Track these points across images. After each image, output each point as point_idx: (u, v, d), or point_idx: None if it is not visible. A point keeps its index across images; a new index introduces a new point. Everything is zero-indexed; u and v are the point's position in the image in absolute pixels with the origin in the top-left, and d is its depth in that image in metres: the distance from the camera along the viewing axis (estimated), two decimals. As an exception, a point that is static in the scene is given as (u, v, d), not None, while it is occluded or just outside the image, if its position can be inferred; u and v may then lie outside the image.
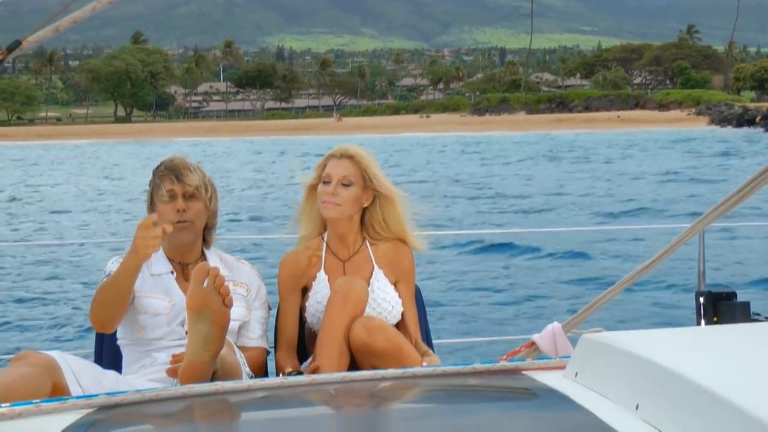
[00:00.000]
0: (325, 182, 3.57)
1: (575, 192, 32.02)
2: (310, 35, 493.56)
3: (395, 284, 3.67)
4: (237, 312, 3.21)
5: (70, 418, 2.01)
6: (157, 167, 3.53)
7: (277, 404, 2.26)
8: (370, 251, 3.68)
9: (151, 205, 3.49)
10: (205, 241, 3.61)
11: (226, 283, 2.81)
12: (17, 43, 1.53)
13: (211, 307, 2.74)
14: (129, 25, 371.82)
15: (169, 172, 3.45)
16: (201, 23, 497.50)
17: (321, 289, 3.58)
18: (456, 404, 2.24)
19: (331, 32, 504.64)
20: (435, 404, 2.30)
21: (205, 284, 2.76)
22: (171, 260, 3.53)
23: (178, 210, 3.42)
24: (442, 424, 1.87)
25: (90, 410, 2.08)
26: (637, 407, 1.75)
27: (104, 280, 3.38)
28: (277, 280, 3.67)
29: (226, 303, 2.78)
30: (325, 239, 3.69)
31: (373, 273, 3.64)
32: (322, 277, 3.62)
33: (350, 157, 3.57)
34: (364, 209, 3.65)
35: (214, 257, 3.59)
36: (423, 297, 3.92)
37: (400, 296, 3.65)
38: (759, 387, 1.58)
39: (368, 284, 3.54)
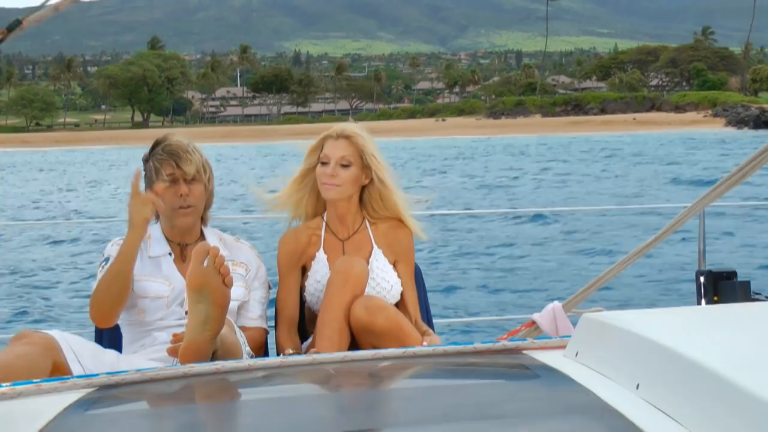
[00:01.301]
0: (323, 163, 3.56)
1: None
2: (326, 39, 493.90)
3: (394, 264, 3.67)
4: (236, 292, 3.19)
5: (71, 397, 2.01)
6: (154, 149, 3.48)
7: (278, 383, 2.26)
8: (370, 231, 3.68)
9: (151, 189, 3.45)
10: (203, 220, 3.59)
11: (225, 262, 2.81)
12: (18, 23, 1.51)
13: (211, 287, 2.74)
14: (147, 30, 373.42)
15: (169, 156, 3.42)
16: (219, 28, 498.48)
17: (320, 269, 3.59)
18: (456, 384, 2.23)
19: (348, 36, 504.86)
20: (435, 383, 2.29)
21: (205, 264, 2.76)
22: (170, 242, 3.51)
23: (181, 195, 3.40)
24: (442, 403, 1.86)
25: (90, 390, 2.08)
26: (637, 386, 1.74)
27: (103, 264, 3.40)
28: (277, 258, 3.66)
29: (226, 283, 2.78)
30: (325, 219, 3.69)
31: (373, 253, 3.64)
32: (321, 256, 3.62)
33: (347, 137, 3.56)
34: (363, 188, 3.65)
35: (213, 237, 3.58)
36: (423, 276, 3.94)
37: (399, 276, 3.65)
38: (759, 366, 1.57)
39: (367, 264, 3.53)
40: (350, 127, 3.63)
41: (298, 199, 3.70)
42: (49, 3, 1.48)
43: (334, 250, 3.64)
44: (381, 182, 3.62)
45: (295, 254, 3.65)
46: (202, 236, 3.57)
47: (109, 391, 2.08)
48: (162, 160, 3.43)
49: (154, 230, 3.54)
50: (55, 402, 1.95)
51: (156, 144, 3.50)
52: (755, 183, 22.40)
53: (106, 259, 3.41)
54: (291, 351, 3.43)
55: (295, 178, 3.69)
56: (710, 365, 1.56)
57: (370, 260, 3.61)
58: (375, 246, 3.66)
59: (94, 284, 3.36)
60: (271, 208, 3.76)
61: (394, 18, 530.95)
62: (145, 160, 3.52)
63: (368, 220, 3.70)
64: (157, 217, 3.56)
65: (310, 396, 2.15)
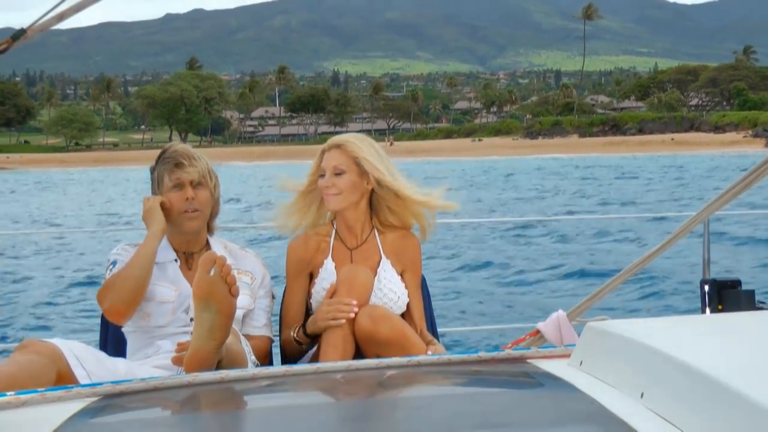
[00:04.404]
0: (321, 176, 3.59)
1: None
2: (365, 59, 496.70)
3: (401, 274, 3.67)
4: (241, 301, 3.18)
5: (75, 406, 2.01)
6: (161, 156, 3.51)
7: (282, 392, 2.26)
8: (378, 240, 3.67)
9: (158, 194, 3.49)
10: (209, 229, 3.60)
11: (231, 272, 2.79)
12: (22, 32, 1.53)
13: (217, 296, 2.73)
14: (188, 50, 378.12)
15: (175, 161, 3.44)
16: (258, 48, 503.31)
17: (327, 276, 3.57)
18: (460, 393, 2.24)
19: (387, 56, 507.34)
20: (439, 393, 2.29)
21: (211, 273, 2.75)
22: (176, 250, 3.52)
23: (187, 198, 3.41)
24: (446, 412, 1.85)
25: (95, 398, 2.08)
26: (642, 395, 1.74)
27: (110, 268, 3.41)
28: (285, 263, 3.66)
29: (233, 292, 2.76)
30: (335, 226, 3.69)
31: (381, 263, 3.63)
32: (329, 264, 3.61)
33: (338, 146, 3.58)
34: (372, 195, 3.65)
35: (218, 246, 3.58)
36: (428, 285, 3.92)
37: (406, 286, 3.65)
38: (763, 375, 1.57)
39: (375, 274, 3.54)
40: (343, 136, 3.65)
41: (301, 213, 3.70)
42: (52, 12, 1.49)
43: (342, 259, 3.63)
44: (383, 184, 3.58)
45: (303, 260, 3.64)
46: (207, 245, 3.57)
47: (114, 400, 2.09)
48: (169, 164, 3.45)
49: None
50: (59, 411, 1.95)
51: (162, 152, 3.53)
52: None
53: (113, 262, 3.42)
54: (297, 327, 3.46)
55: (300, 193, 3.69)
56: (715, 374, 1.55)
57: (378, 270, 3.60)
58: (383, 256, 3.65)
59: (106, 280, 3.39)
60: (279, 225, 3.76)
61: (433, 38, 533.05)
62: (152, 170, 3.53)
63: (377, 229, 3.70)
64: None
65: (314, 405, 2.14)
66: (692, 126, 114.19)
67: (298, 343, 3.48)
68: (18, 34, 1.52)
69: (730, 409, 1.47)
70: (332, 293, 3.35)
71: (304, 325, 3.48)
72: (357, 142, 3.59)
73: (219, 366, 2.79)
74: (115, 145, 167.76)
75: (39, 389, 2.11)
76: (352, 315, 3.22)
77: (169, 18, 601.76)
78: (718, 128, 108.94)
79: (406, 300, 3.63)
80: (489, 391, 2.26)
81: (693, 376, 1.61)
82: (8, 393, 2.06)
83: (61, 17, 1.51)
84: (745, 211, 10.37)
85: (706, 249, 5.02)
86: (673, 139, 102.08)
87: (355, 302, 3.25)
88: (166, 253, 3.50)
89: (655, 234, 17.03)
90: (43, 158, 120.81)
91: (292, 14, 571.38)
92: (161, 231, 3.38)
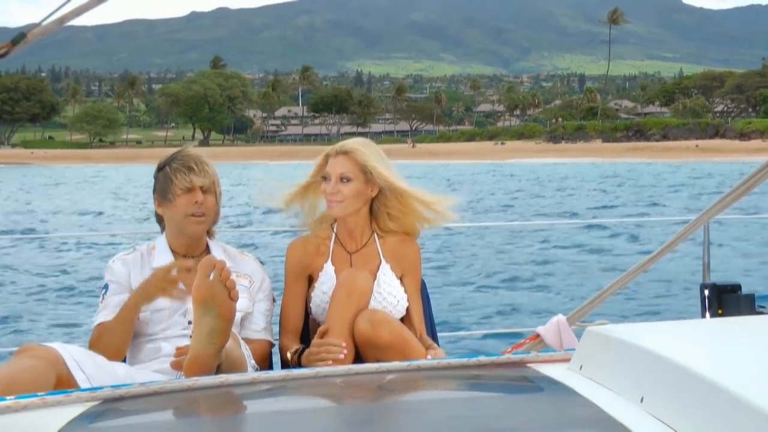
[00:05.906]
0: (324, 179, 3.57)
1: None
2: (389, 60, 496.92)
3: (401, 278, 3.66)
4: (240, 304, 3.17)
5: (75, 410, 2.01)
6: (171, 159, 3.51)
7: (282, 397, 2.27)
8: (378, 244, 3.66)
9: (163, 197, 3.47)
10: (209, 233, 3.61)
11: (231, 276, 2.79)
12: (22, 36, 1.52)
13: (216, 300, 2.73)
14: (212, 49, 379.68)
15: (186, 166, 3.45)
16: (282, 48, 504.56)
17: (327, 280, 3.57)
18: (460, 397, 2.24)
19: (410, 57, 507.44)
20: (439, 397, 2.29)
21: (211, 277, 2.75)
22: (175, 253, 3.52)
23: (196, 202, 3.42)
24: (446, 416, 1.86)
25: (95, 403, 2.09)
26: (641, 400, 1.74)
27: (103, 293, 3.42)
28: (285, 266, 3.66)
29: (232, 296, 2.76)
30: (335, 230, 3.68)
31: (380, 267, 3.62)
32: (328, 267, 3.60)
33: (346, 153, 3.55)
34: (373, 200, 3.63)
35: (217, 249, 3.59)
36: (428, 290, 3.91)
37: (405, 290, 3.64)
38: (763, 379, 1.57)
39: (375, 278, 3.54)
40: (350, 143, 3.62)
41: (297, 204, 3.69)
42: (53, 16, 1.49)
43: (342, 262, 3.63)
44: (392, 191, 3.58)
45: (302, 263, 3.64)
46: (207, 249, 3.58)
47: (114, 404, 2.09)
48: (178, 170, 3.45)
49: (160, 241, 3.55)
50: (59, 415, 1.96)
51: (174, 154, 3.54)
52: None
53: (106, 286, 3.44)
54: (296, 348, 3.43)
55: (297, 190, 3.68)
56: (715, 379, 1.56)
57: (378, 274, 3.59)
58: (383, 260, 3.64)
59: (95, 319, 3.39)
60: (272, 203, 3.75)
61: (457, 40, 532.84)
62: (160, 169, 3.53)
63: (377, 234, 3.68)
64: (162, 228, 3.59)
65: (314, 409, 2.14)
66: (717, 132, 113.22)
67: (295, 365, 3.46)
68: (18, 38, 1.52)
69: (730, 413, 1.47)
70: (323, 334, 3.28)
71: (301, 353, 3.42)
72: (364, 149, 3.55)
73: (218, 370, 2.78)
74: (139, 143, 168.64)
75: (39, 393, 2.11)
76: (341, 357, 3.17)
77: (194, 16, 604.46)
78: (743, 135, 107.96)
79: (406, 304, 3.61)
80: (489, 395, 2.24)
81: (693, 380, 1.61)
82: (8, 397, 2.06)
83: (62, 21, 1.51)
84: (745, 216, 10.27)
85: (706, 253, 5.00)
86: (697, 145, 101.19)
87: (344, 344, 3.20)
88: (165, 258, 3.50)
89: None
90: (67, 154, 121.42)
91: (316, 14, 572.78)
92: (146, 295, 3.31)
